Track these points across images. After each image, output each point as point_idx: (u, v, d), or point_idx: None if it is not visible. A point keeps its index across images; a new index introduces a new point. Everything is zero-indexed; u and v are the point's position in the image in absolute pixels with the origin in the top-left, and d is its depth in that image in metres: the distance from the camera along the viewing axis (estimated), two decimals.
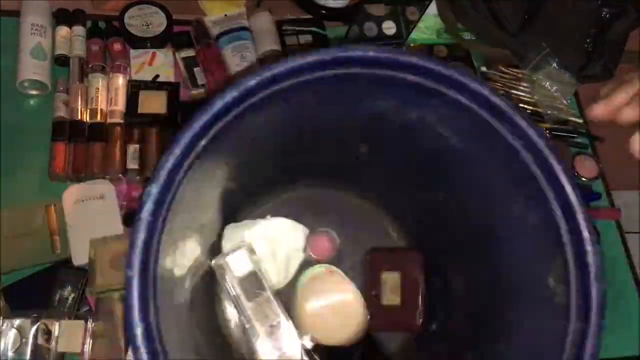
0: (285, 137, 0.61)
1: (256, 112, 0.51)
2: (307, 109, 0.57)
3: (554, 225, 0.51)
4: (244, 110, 0.50)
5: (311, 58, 0.49)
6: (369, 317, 0.69)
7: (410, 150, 0.63)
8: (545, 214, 0.51)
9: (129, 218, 0.75)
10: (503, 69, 0.95)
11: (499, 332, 0.58)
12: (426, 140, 0.59)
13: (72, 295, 0.70)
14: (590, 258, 0.49)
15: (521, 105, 0.94)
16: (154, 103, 0.84)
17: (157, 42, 0.89)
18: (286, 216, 0.71)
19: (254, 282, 0.63)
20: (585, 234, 0.49)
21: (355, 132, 0.62)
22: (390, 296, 0.69)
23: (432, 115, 0.56)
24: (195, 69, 0.87)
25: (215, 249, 0.66)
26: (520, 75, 0.94)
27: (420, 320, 0.69)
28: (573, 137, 0.95)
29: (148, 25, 0.89)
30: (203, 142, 0.49)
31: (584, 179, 0.93)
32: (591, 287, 0.48)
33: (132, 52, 0.88)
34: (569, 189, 0.50)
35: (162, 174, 0.47)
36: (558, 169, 0.50)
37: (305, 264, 0.71)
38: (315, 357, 0.64)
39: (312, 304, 0.67)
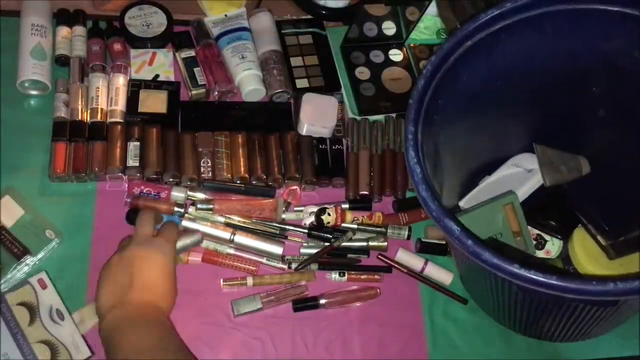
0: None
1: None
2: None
3: None
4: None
5: None
6: None
7: None
8: None
9: (132, 215, 0.75)
10: None
11: None
12: None
13: None
14: None
15: None
16: (154, 102, 0.84)
17: (157, 42, 0.89)
18: None
19: None
20: None
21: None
22: None
23: None
24: (195, 69, 0.87)
25: None
26: None
27: None
28: None
29: (148, 25, 0.89)
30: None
31: None
32: None
33: (133, 52, 0.88)
34: None
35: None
36: None
37: None
38: None
39: None
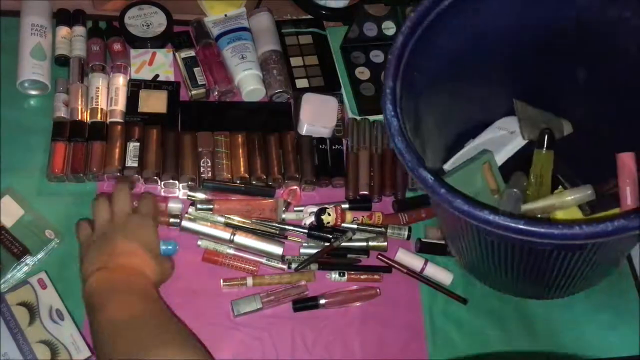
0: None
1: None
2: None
3: None
4: None
5: None
6: None
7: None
8: None
9: None
10: None
11: None
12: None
13: None
14: None
15: None
16: (154, 102, 0.84)
17: (157, 42, 0.89)
18: None
19: None
20: None
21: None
22: None
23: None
24: (195, 69, 0.87)
25: None
26: None
27: None
28: None
29: (148, 25, 0.89)
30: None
31: None
32: None
33: (132, 52, 0.88)
34: None
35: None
36: None
37: None
38: None
39: None
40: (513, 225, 0.53)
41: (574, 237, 0.52)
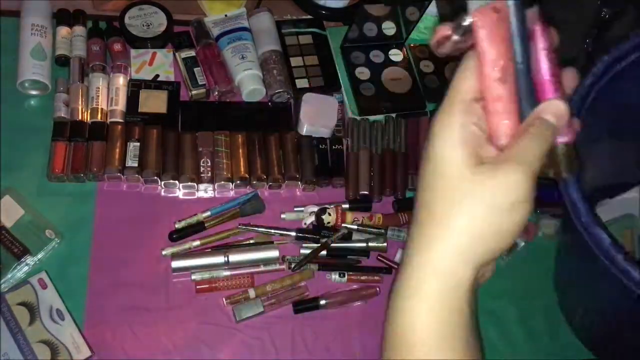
0: None
1: None
2: None
3: None
4: None
5: None
6: None
7: None
8: None
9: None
10: None
11: None
12: None
13: None
14: None
15: None
16: (154, 102, 0.84)
17: (158, 42, 0.89)
18: None
19: None
20: None
21: None
22: None
23: None
24: (195, 69, 0.87)
25: None
26: None
27: None
28: None
29: (148, 25, 0.89)
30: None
31: None
32: None
33: (133, 52, 0.88)
34: None
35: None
36: None
37: None
38: None
39: None
40: None
41: None
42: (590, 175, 0.71)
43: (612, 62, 0.61)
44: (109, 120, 0.81)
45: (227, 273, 0.76)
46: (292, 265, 0.77)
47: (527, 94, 0.38)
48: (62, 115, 0.80)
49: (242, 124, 0.85)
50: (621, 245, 0.53)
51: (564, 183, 0.54)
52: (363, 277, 0.79)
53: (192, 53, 0.88)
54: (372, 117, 0.89)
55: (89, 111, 0.81)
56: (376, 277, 0.79)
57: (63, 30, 0.86)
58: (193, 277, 0.75)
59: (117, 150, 0.79)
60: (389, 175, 0.85)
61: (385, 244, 0.80)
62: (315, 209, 0.80)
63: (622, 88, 0.62)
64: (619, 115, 0.68)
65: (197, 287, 0.75)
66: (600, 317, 0.69)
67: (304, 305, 0.76)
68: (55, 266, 0.74)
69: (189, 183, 0.80)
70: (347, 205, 0.82)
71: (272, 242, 0.79)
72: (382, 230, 0.80)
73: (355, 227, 0.80)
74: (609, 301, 0.65)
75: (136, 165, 0.78)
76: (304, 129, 0.85)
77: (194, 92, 0.86)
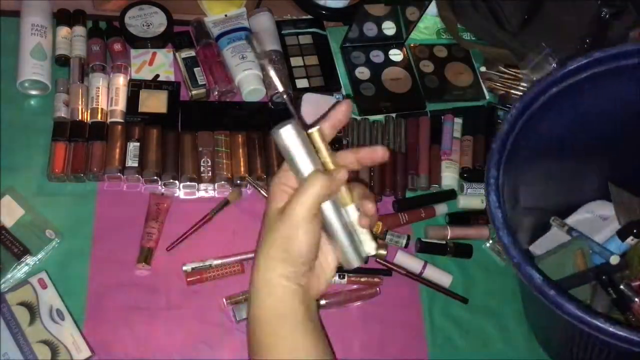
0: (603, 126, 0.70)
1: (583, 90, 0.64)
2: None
3: None
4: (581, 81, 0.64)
5: None
6: None
7: None
8: None
9: None
10: (503, 69, 0.95)
11: None
12: None
13: None
14: None
15: None
16: (154, 102, 0.84)
17: (157, 42, 0.89)
18: None
19: None
20: None
21: None
22: None
23: None
24: (195, 69, 0.87)
25: None
26: (520, 75, 0.94)
27: None
28: None
29: (148, 25, 0.89)
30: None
31: None
32: None
33: (133, 52, 0.88)
34: None
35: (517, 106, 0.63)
36: None
37: None
38: None
39: None
40: (631, 337, 0.51)
41: None
42: (537, 200, 0.76)
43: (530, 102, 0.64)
44: (109, 120, 0.81)
45: (218, 262, 0.76)
46: None
47: None
48: (62, 115, 0.80)
49: (242, 124, 0.85)
50: (552, 281, 0.55)
51: (497, 234, 0.59)
52: (363, 279, 0.79)
53: (192, 53, 0.88)
54: (372, 117, 0.89)
55: (89, 111, 0.81)
56: (376, 279, 0.79)
57: (63, 30, 0.86)
58: (184, 268, 0.75)
59: (117, 150, 0.79)
60: (389, 175, 0.85)
61: (385, 252, 0.80)
62: None
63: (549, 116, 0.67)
64: (551, 142, 0.70)
65: (188, 279, 0.75)
66: (556, 335, 0.71)
67: None
68: (55, 266, 0.74)
69: (189, 183, 0.80)
70: None
71: None
72: (382, 237, 0.80)
73: None
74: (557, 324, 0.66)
75: (136, 165, 0.78)
76: None
77: (194, 92, 0.86)
